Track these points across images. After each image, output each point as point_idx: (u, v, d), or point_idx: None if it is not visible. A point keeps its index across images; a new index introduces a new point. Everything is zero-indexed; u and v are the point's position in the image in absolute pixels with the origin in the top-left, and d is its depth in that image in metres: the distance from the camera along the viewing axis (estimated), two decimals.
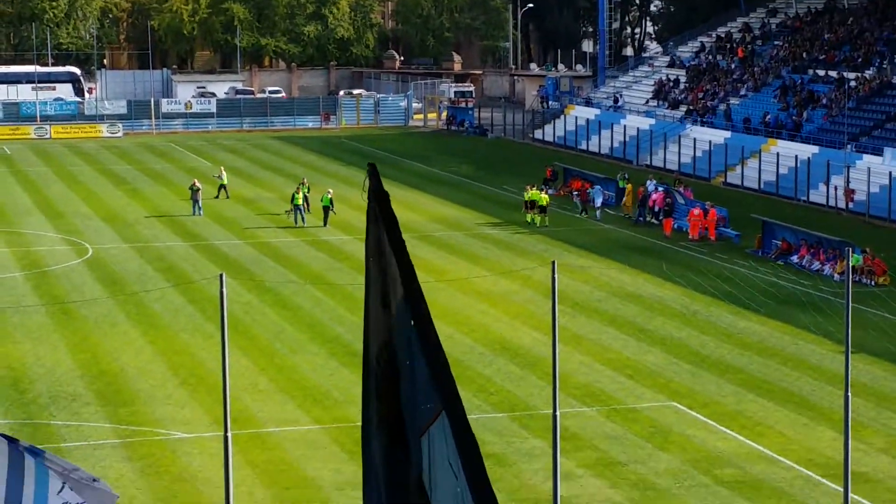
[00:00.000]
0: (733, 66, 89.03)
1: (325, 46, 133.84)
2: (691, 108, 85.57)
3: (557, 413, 21.88)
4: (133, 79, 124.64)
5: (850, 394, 22.92)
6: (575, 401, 34.10)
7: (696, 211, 57.51)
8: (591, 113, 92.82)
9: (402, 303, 7.80)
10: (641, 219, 61.23)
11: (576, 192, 65.81)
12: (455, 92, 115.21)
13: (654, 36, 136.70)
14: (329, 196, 60.12)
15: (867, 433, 31.60)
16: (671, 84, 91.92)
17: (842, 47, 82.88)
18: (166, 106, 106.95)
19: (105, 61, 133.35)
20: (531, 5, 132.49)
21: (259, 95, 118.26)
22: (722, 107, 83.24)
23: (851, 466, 23.33)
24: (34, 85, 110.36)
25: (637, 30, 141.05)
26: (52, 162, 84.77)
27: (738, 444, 31.24)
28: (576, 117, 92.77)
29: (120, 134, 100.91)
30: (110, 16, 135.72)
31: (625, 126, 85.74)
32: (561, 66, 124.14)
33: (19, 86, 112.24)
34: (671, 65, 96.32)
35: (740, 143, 74.53)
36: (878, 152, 66.60)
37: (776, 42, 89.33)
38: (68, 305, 44.23)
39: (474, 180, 75.57)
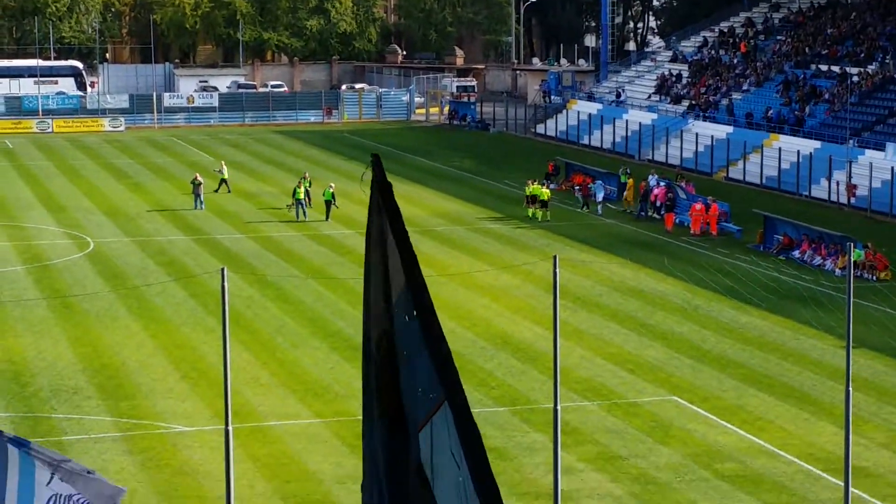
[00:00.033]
0: (736, 60, 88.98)
1: (328, 41, 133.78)
2: (693, 102, 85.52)
3: (558, 407, 21.88)
4: (135, 73, 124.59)
5: (851, 389, 22.91)
6: (576, 395, 34.11)
7: (698, 206, 57.50)
8: (593, 108, 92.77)
9: (404, 292, 7.80)
10: (643, 213, 61.23)
11: (577, 187, 65.81)
12: (457, 86, 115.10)
13: (656, 31, 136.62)
14: (331, 190, 60.14)
15: (868, 428, 31.61)
16: (673, 79, 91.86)
17: (844, 42, 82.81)
18: (168, 100, 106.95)
19: (107, 55, 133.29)
20: (533, 0, 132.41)
21: (261, 90, 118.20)
22: (724, 102, 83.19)
23: (852, 461, 23.32)
24: (36, 79, 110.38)
25: (639, 24, 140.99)
26: (54, 156, 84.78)
27: (738, 438, 31.25)
28: (578, 112, 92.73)
29: (122, 128, 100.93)
30: (112, 10, 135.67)
31: (627, 121, 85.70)
32: (563, 61, 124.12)
33: (21, 80, 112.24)
34: (673, 59, 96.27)
35: (742, 138, 74.50)
36: (880, 147, 66.57)
37: (779, 37, 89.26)
38: (70, 299, 44.27)
39: (476, 175, 75.56)
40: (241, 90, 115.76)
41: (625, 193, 64.21)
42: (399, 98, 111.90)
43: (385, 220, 7.77)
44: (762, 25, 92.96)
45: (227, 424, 19.30)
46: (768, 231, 54.15)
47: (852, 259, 23.39)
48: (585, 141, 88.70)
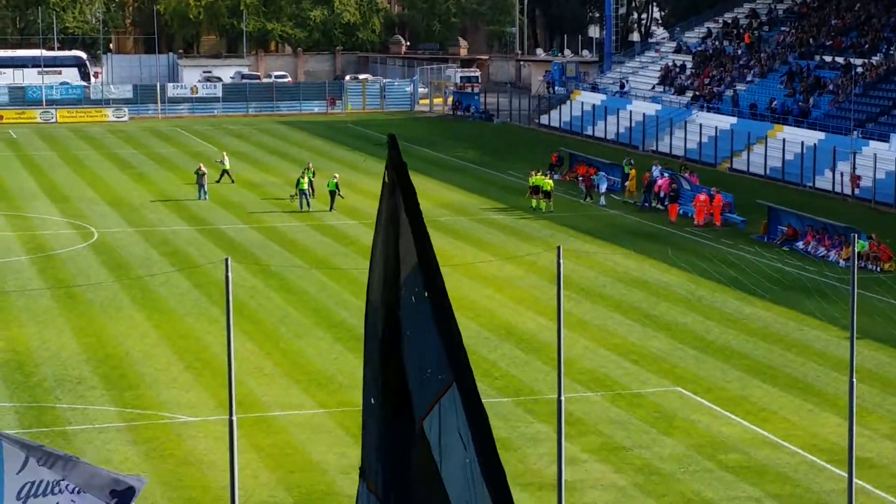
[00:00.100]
0: (740, 51, 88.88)
1: (331, 31, 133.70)
2: (697, 93, 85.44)
3: (562, 398, 21.88)
4: (139, 63, 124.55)
5: (854, 379, 22.90)
6: (580, 386, 34.12)
7: (702, 196, 57.46)
8: (597, 98, 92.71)
9: (414, 272, 7.76)
10: (647, 204, 61.20)
11: (581, 178, 65.79)
12: (461, 77, 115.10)
13: (660, 21, 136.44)
14: (335, 181, 60.19)
15: (872, 419, 31.61)
16: (677, 70, 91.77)
17: (849, 33, 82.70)
18: (172, 90, 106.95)
19: (111, 45, 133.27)
20: None
21: (265, 80, 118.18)
22: (728, 93, 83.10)
23: (856, 452, 23.31)
24: (40, 69, 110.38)
25: (643, 15, 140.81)
26: (58, 146, 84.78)
27: (742, 429, 31.25)
28: (582, 103, 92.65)
29: (126, 118, 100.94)
30: (116, 0, 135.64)
31: (631, 112, 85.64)
32: (567, 52, 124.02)
33: (25, 70, 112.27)
34: (677, 50, 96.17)
35: (746, 129, 74.44)
36: (884, 138, 66.50)
37: (783, 28, 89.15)
38: (74, 289, 44.29)
39: (480, 165, 75.55)
40: (244, 80, 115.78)
41: (626, 184, 64.21)
42: (403, 89, 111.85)
43: (399, 199, 7.78)
44: (766, 16, 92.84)
45: (230, 414, 19.31)
46: (772, 222, 54.11)
47: (856, 250, 23.37)
48: (589, 132, 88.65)
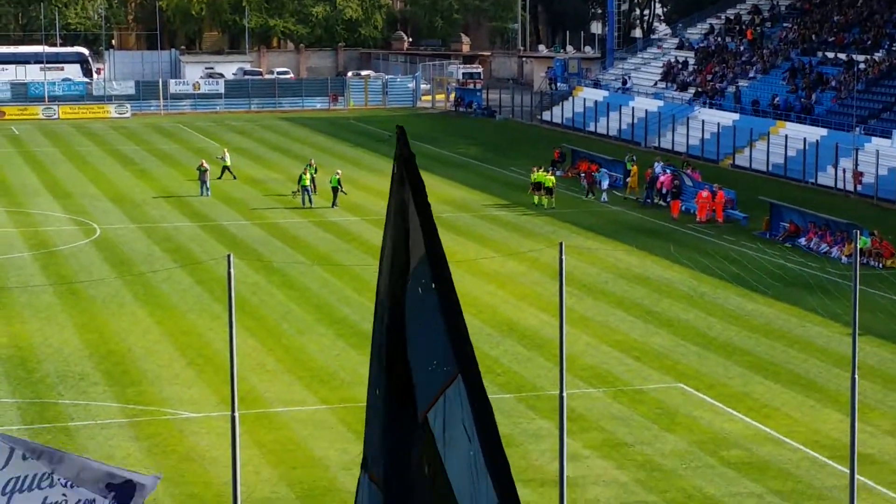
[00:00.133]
0: (742, 48, 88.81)
1: (334, 27, 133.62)
2: (700, 89, 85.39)
3: (564, 394, 21.87)
4: (141, 59, 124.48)
5: (856, 376, 22.91)
6: (582, 382, 34.13)
7: (704, 193, 57.45)
8: (599, 95, 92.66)
9: (422, 264, 7.77)
10: (649, 201, 61.19)
11: (582, 174, 65.76)
12: (463, 73, 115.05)
13: (662, 17, 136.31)
14: (337, 177, 60.22)
15: (874, 415, 31.62)
16: (680, 66, 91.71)
17: (851, 29, 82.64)
18: (174, 87, 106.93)
19: (113, 42, 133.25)
20: None
21: (267, 76, 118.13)
22: (731, 89, 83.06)
23: (858, 448, 23.32)
24: (42, 65, 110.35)
25: (646, 11, 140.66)
26: (60, 142, 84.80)
27: (744, 425, 31.26)
28: (584, 99, 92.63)
29: (128, 114, 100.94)
30: None
31: (633, 108, 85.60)
32: (569, 48, 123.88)
33: (27, 66, 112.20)
34: (680, 46, 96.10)
35: (749, 126, 74.41)
36: (886, 135, 66.47)
37: (785, 24, 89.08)
38: (76, 285, 44.31)
39: (482, 162, 75.54)
40: (246, 77, 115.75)
41: (628, 180, 64.20)
42: (405, 85, 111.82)
43: (408, 191, 7.80)
44: (768, 12, 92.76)
45: (233, 411, 19.32)
46: (774, 218, 54.11)
47: (858, 246, 23.36)
48: (591, 128, 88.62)
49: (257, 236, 53.26)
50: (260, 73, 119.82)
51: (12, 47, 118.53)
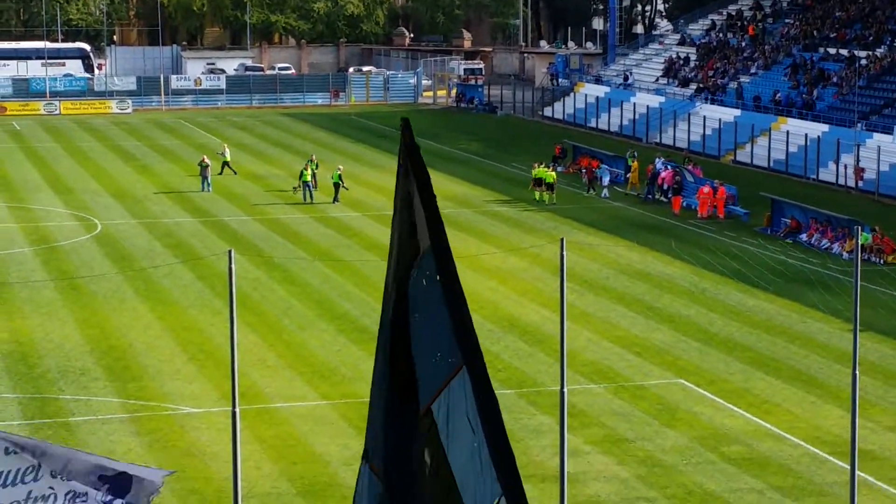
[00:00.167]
0: (744, 43, 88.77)
1: (335, 23, 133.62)
2: (701, 85, 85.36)
3: (565, 390, 21.87)
4: (143, 55, 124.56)
5: (857, 372, 22.91)
6: (583, 378, 34.14)
7: (706, 189, 57.43)
8: (600, 90, 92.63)
9: (427, 255, 7.77)
10: (650, 196, 61.19)
11: (584, 170, 65.74)
12: (465, 69, 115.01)
13: (664, 13, 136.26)
14: (339, 172, 60.25)
15: (875, 411, 31.62)
16: (681, 62, 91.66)
17: (853, 25, 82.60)
18: (176, 82, 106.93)
19: (115, 37, 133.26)
20: None
21: (268, 72, 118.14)
22: (732, 85, 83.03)
23: (858, 444, 23.31)
24: (44, 61, 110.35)
25: (647, 7, 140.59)
26: (62, 138, 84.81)
27: (745, 421, 31.26)
28: (585, 95, 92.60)
29: (129, 110, 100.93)
30: None
31: (634, 104, 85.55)
32: (571, 44, 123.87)
33: (29, 62, 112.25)
34: (681, 42, 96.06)
35: (750, 122, 74.38)
36: (888, 131, 66.44)
37: (787, 20, 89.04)
38: (77, 281, 44.31)
39: (483, 158, 75.52)
40: (248, 73, 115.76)
41: (629, 176, 64.19)
42: (406, 81, 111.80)
43: (413, 184, 7.81)
44: (770, 8, 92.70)
45: (233, 406, 19.33)
46: (776, 214, 54.09)
47: (859, 242, 23.34)
48: (593, 124, 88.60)
49: (258, 232, 53.27)
50: (261, 69, 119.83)
51: (14, 43, 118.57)
